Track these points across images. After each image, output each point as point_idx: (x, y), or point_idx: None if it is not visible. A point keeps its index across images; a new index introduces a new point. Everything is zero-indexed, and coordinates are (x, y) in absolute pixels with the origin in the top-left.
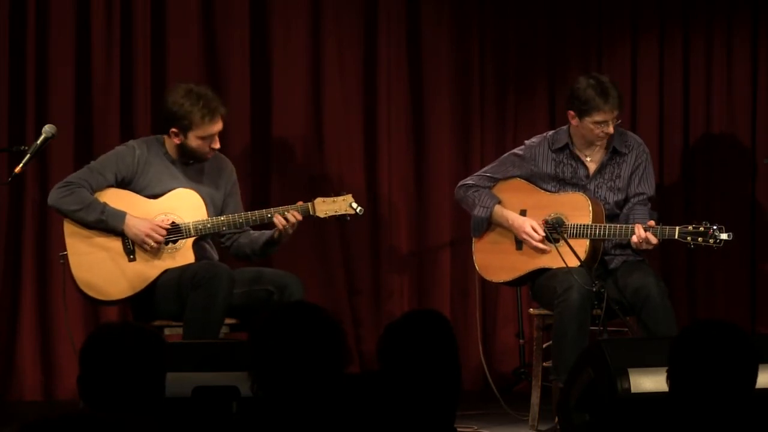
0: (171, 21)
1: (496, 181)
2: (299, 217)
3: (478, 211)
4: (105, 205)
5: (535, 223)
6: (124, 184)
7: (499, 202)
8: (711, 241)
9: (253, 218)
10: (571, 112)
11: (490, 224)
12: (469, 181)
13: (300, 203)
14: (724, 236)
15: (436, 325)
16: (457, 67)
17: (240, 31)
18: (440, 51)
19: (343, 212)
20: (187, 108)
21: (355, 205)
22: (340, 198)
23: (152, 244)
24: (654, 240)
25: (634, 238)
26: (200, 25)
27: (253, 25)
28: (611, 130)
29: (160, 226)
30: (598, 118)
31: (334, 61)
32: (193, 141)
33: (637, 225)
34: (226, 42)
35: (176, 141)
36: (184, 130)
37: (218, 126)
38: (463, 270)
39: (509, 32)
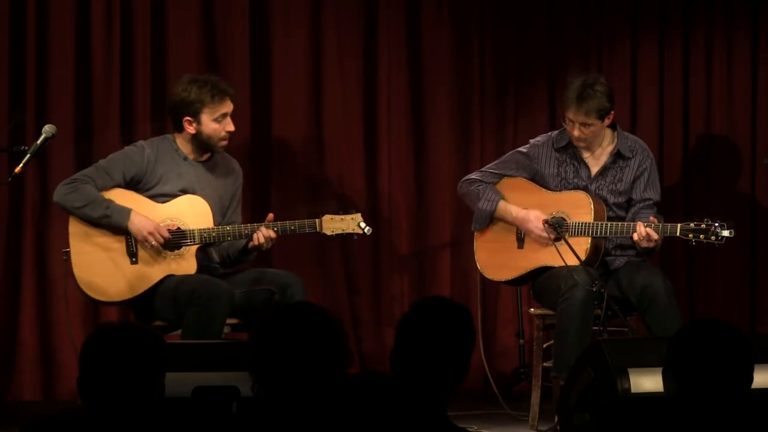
0: (171, 21)
1: (500, 177)
2: (273, 236)
3: (483, 204)
4: (110, 201)
5: (538, 213)
6: (133, 183)
7: (503, 198)
8: (713, 238)
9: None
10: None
11: (492, 218)
12: (473, 176)
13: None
14: (725, 233)
15: (462, 322)
16: (457, 67)
17: (240, 32)
18: (440, 51)
19: (351, 231)
20: (195, 92)
21: (363, 224)
22: (349, 216)
23: (153, 243)
24: (655, 236)
25: (635, 236)
26: (200, 25)
27: (253, 25)
28: (576, 133)
29: (165, 230)
30: (569, 115)
31: (334, 61)
32: (207, 125)
33: (638, 222)
34: (226, 42)
35: (191, 130)
36: (196, 114)
37: (229, 106)
38: (463, 270)
39: (509, 32)
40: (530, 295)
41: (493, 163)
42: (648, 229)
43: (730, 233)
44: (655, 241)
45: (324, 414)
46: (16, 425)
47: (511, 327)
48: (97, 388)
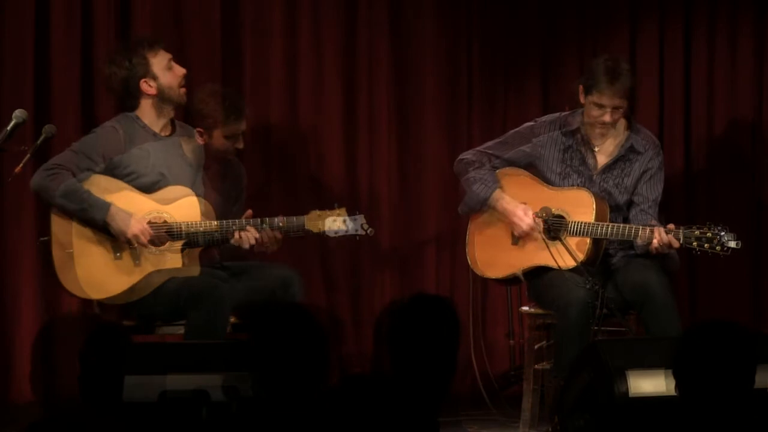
0: (171, 21)
1: (497, 159)
2: (279, 236)
3: (478, 188)
4: (89, 193)
5: (528, 208)
6: (112, 166)
7: (500, 187)
8: (718, 248)
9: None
10: (581, 87)
11: (485, 205)
12: (468, 156)
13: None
14: (732, 244)
15: (444, 312)
16: (443, 55)
17: (210, 18)
18: (426, 41)
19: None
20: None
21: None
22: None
23: (142, 241)
24: (675, 243)
25: (655, 242)
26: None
27: (224, 10)
28: (607, 118)
29: (152, 225)
30: (601, 100)
31: (310, 45)
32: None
33: (657, 229)
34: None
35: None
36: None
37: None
38: (459, 270)
39: (500, 19)
40: (523, 294)
41: (492, 142)
42: (670, 236)
43: (736, 244)
44: (673, 246)
45: (325, 414)
46: (16, 425)
47: (503, 327)
48: (97, 388)
